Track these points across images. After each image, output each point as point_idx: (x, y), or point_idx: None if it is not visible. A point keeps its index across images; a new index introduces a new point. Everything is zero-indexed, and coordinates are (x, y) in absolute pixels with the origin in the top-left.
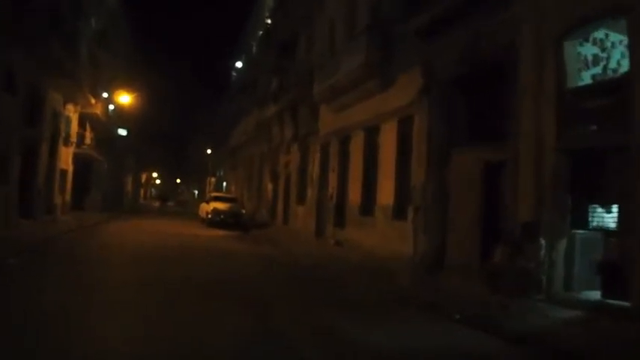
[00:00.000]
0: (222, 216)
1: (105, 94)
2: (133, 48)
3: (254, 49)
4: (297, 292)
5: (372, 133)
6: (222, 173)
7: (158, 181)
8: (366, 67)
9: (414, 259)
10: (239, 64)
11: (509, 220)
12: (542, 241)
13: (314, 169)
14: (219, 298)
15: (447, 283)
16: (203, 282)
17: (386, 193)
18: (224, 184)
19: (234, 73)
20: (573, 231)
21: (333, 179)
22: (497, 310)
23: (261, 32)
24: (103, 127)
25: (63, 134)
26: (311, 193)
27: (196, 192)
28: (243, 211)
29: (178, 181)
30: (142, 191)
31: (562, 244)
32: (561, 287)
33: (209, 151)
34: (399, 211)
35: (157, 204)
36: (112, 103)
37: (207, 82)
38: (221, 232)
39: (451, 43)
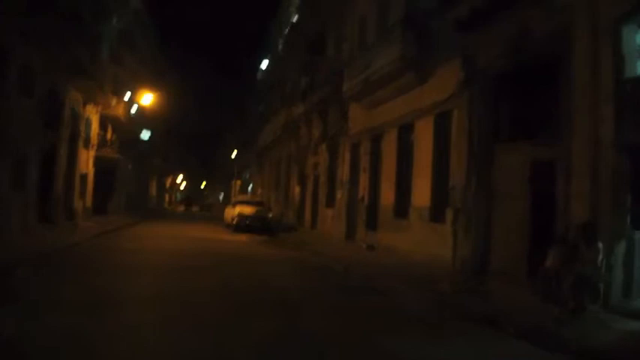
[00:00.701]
0: (247, 221)
1: (128, 94)
2: (157, 48)
3: (280, 47)
4: (332, 301)
5: (406, 131)
6: (247, 176)
7: (183, 186)
8: (400, 61)
9: (453, 264)
10: (265, 63)
11: (561, 222)
12: (601, 244)
13: (344, 169)
14: (249, 312)
15: (492, 290)
16: (228, 292)
17: (422, 193)
18: (250, 186)
19: (260, 72)
20: (633, 232)
21: (364, 180)
22: (553, 321)
23: (287, 30)
24: (125, 128)
25: (83, 136)
26: (340, 194)
27: (222, 195)
28: (270, 215)
29: (204, 184)
30: (166, 196)
31: (621, 247)
32: (620, 294)
33: (234, 154)
34: (436, 212)
35: (181, 208)
36: (135, 104)
37: (232, 83)
38: (248, 237)
39: (494, 34)
